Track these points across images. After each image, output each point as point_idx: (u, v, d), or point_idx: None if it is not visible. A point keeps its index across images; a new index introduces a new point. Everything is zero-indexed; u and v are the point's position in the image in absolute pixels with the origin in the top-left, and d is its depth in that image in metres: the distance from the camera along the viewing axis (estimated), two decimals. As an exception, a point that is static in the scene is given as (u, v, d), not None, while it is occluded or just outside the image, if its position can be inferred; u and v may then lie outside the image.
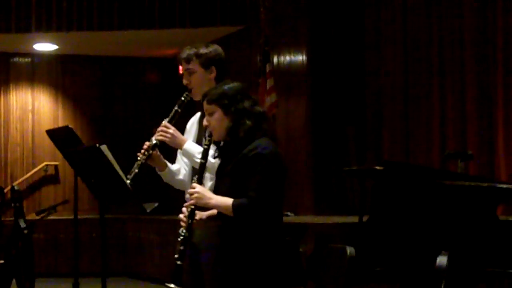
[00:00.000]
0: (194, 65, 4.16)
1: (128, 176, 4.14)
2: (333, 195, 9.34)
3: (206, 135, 3.74)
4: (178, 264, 3.60)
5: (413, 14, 8.58)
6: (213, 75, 4.17)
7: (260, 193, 3.47)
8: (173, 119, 4.15)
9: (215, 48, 4.22)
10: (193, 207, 3.63)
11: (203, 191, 3.62)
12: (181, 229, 3.64)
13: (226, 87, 3.66)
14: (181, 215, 3.68)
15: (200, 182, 3.68)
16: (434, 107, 8.23)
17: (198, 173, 3.72)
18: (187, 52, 4.19)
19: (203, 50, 4.17)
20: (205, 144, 3.72)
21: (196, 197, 3.60)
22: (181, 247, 3.61)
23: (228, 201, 3.53)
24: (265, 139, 3.59)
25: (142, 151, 4.12)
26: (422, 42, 8.43)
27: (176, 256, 3.61)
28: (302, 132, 9.61)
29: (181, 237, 3.62)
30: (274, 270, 3.54)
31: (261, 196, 3.47)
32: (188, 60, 4.17)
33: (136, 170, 4.10)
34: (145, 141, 4.17)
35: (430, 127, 8.28)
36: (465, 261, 4.76)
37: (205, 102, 3.68)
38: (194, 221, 3.64)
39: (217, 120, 3.63)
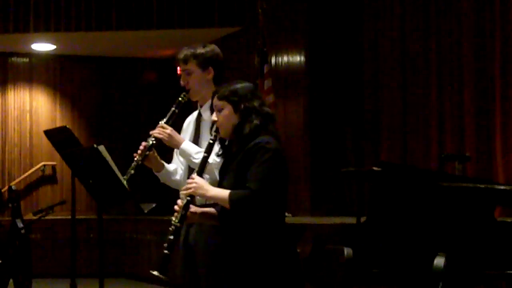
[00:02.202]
0: (192, 66, 4.14)
1: (124, 177, 4.11)
2: (331, 196, 9.34)
3: (213, 130, 3.67)
4: (166, 254, 3.53)
5: (411, 15, 8.58)
6: (211, 75, 4.15)
7: (260, 185, 3.39)
8: (170, 120, 4.12)
9: (212, 49, 4.19)
10: (189, 198, 3.55)
11: (202, 182, 3.54)
12: (174, 218, 3.55)
13: (238, 85, 3.63)
14: (176, 207, 3.58)
15: (201, 175, 3.59)
16: (432, 109, 8.23)
17: (199, 166, 3.62)
18: (184, 52, 4.16)
19: (200, 51, 4.15)
20: (211, 139, 3.65)
21: (194, 187, 3.52)
22: (171, 237, 3.53)
23: (225, 192, 3.45)
24: (269, 136, 3.55)
25: (139, 151, 4.08)
26: (420, 43, 8.43)
27: (165, 245, 3.54)
28: (300, 132, 9.60)
29: (172, 227, 3.54)
30: (276, 274, 3.47)
31: (261, 188, 3.39)
32: (185, 61, 4.15)
33: (132, 171, 4.07)
34: (143, 141, 4.15)
35: (428, 128, 8.29)
36: (462, 262, 4.76)
37: (215, 98, 3.63)
38: (188, 212, 3.56)
39: (226, 116, 3.59)
